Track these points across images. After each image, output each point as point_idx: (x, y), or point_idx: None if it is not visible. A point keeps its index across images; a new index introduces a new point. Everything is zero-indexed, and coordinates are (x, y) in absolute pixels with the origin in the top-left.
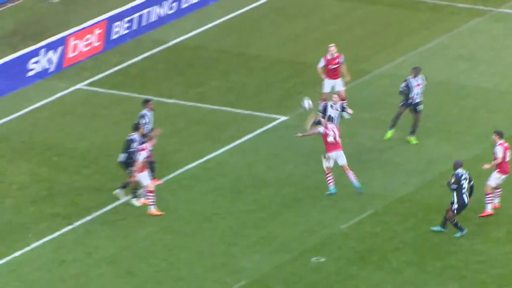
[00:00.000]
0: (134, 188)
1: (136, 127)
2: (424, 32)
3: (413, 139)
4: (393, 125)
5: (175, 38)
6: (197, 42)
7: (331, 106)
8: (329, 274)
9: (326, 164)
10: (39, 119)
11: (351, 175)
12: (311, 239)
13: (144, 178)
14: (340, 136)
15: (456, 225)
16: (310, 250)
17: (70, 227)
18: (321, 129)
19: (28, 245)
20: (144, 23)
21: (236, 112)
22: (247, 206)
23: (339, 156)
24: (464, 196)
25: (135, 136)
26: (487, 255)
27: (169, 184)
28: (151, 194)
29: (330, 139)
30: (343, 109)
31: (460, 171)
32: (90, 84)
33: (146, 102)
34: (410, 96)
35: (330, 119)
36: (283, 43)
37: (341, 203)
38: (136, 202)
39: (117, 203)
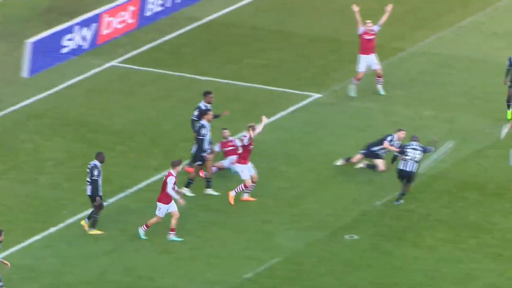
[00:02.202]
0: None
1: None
2: (460, 10)
3: (509, 113)
4: (509, 106)
5: (210, 15)
6: (232, 19)
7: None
8: (363, 251)
9: None
10: (74, 96)
11: None
12: (346, 216)
13: (243, 171)
14: None
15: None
16: (345, 227)
17: (104, 204)
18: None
19: (63, 221)
20: (178, 0)
21: (270, 90)
22: (281, 183)
23: None
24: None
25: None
26: None
27: None
28: (247, 189)
29: None
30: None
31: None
32: (124, 61)
33: (205, 94)
34: None
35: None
36: (319, 20)
37: (376, 180)
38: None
39: (151, 180)
